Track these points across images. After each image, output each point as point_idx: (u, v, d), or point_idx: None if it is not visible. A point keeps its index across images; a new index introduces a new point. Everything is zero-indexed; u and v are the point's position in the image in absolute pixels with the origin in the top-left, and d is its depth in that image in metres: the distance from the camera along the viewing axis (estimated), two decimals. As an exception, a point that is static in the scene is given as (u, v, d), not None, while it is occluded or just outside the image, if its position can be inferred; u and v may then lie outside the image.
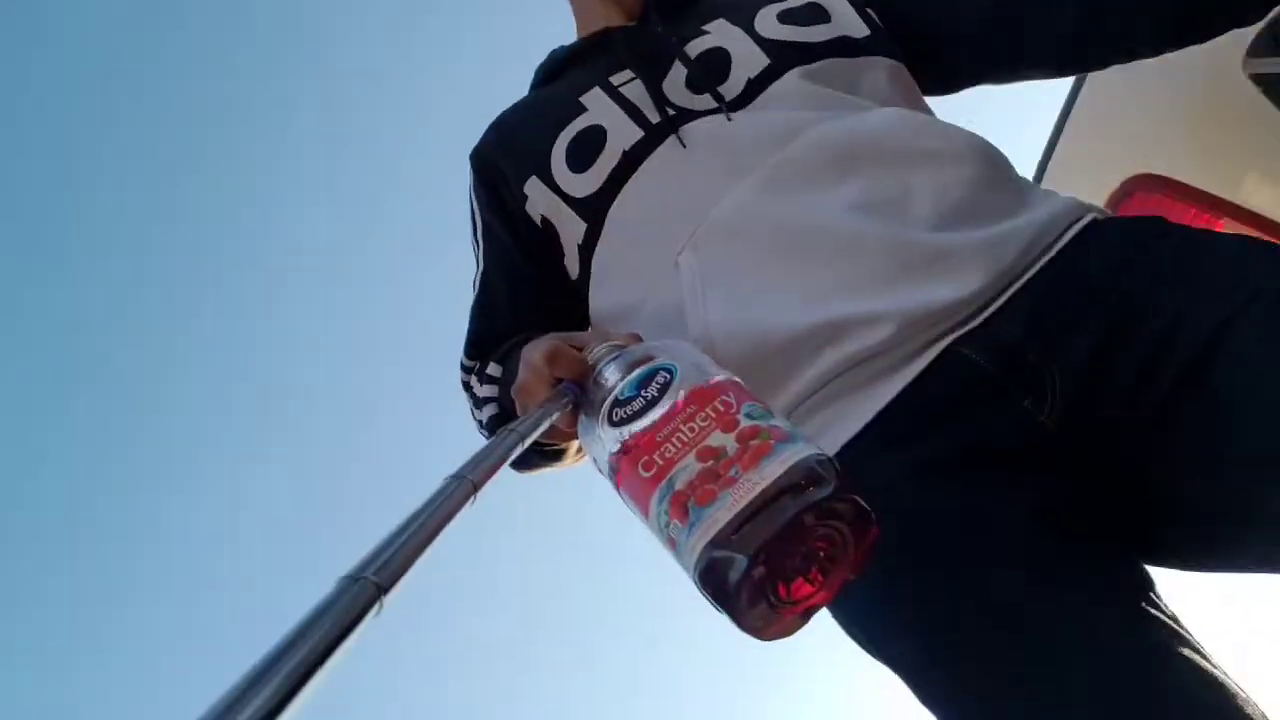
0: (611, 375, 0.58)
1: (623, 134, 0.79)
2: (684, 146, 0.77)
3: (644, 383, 0.55)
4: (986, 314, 0.65)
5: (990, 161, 0.74)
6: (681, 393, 0.53)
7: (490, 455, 0.50)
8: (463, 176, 0.92)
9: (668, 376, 0.55)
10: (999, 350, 0.64)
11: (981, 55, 0.85)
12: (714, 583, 0.47)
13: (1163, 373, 0.59)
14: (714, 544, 0.46)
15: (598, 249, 0.80)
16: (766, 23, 0.82)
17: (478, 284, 0.90)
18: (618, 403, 0.55)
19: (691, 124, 0.78)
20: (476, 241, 0.90)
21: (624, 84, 0.82)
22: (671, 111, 0.79)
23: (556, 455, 0.83)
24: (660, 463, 0.50)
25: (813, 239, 0.68)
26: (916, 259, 0.66)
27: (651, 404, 0.54)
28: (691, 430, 0.51)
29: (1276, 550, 0.59)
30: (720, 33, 0.82)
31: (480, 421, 0.86)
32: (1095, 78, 1.29)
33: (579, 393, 0.61)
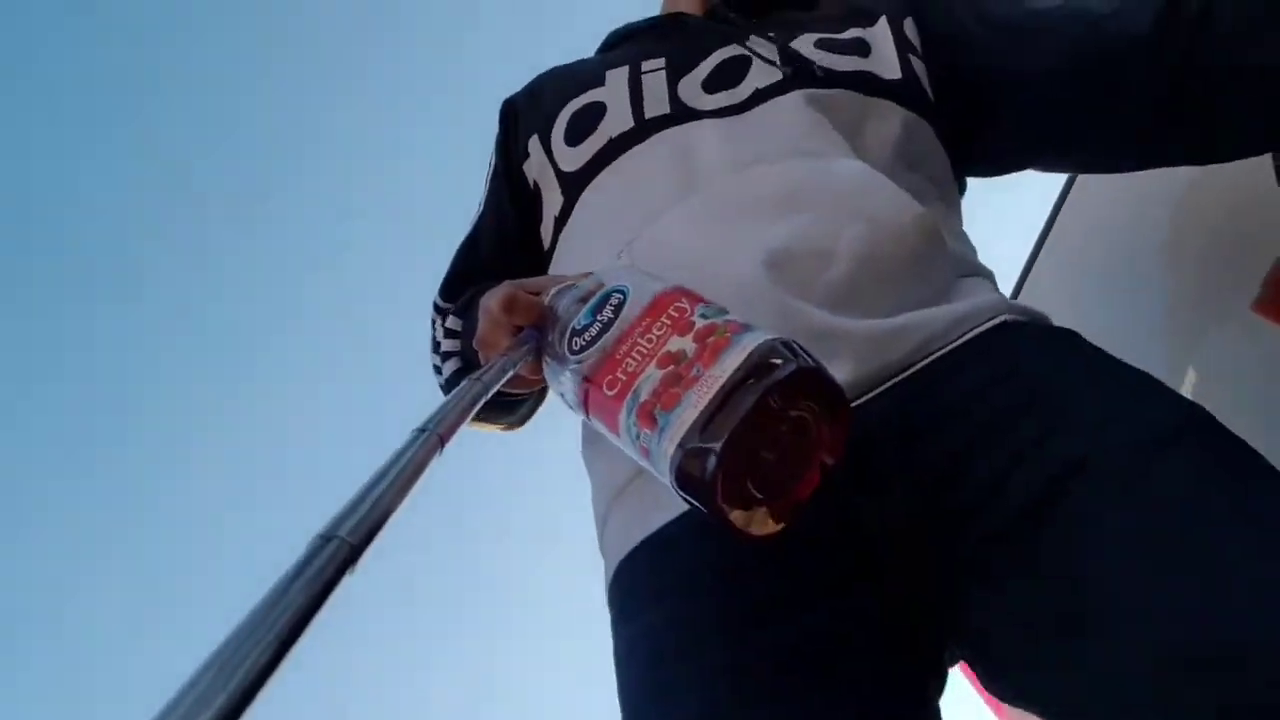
0: (567, 308, 0.58)
1: (617, 119, 0.79)
2: (657, 145, 0.76)
3: (599, 308, 0.55)
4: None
5: (933, 240, 0.68)
6: (636, 308, 0.53)
7: (455, 406, 0.50)
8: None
9: (620, 298, 0.55)
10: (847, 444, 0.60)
11: (1041, 118, 0.79)
12: (691, 482, 0.47)
13: (1011, 495, 0.55)
14: (683, 444, 0.46)
15: (566, 227, 0.81)
16: (803, 44, 0.80)
17: (472, 223, 0.90)
18: (575, 332, 0.55)
19: (682, 126, 0.77)
20: (486, 183, 0.90)
21: (649, 71, 0.81)
22: (670, 110, 0.78)
23: (511, 408, 0.83)
24: (624, 378, 0.50)
25: (717, 283, 0.62)
26: (800, 334, 0.58)
27: (608, 326, 0.54)
28: (649, 341, 0.51)
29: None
30: (758, 42, 0.81)
31: (438, 368, 0.86)
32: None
33: (541, 337, 0.61)
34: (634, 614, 0.65)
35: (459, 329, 0.82)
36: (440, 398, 0.82)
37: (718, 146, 0.74)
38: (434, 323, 0.88)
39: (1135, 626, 0.49)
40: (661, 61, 0.82)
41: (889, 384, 0.62)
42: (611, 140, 0.78)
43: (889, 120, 0.77)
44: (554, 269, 0.83)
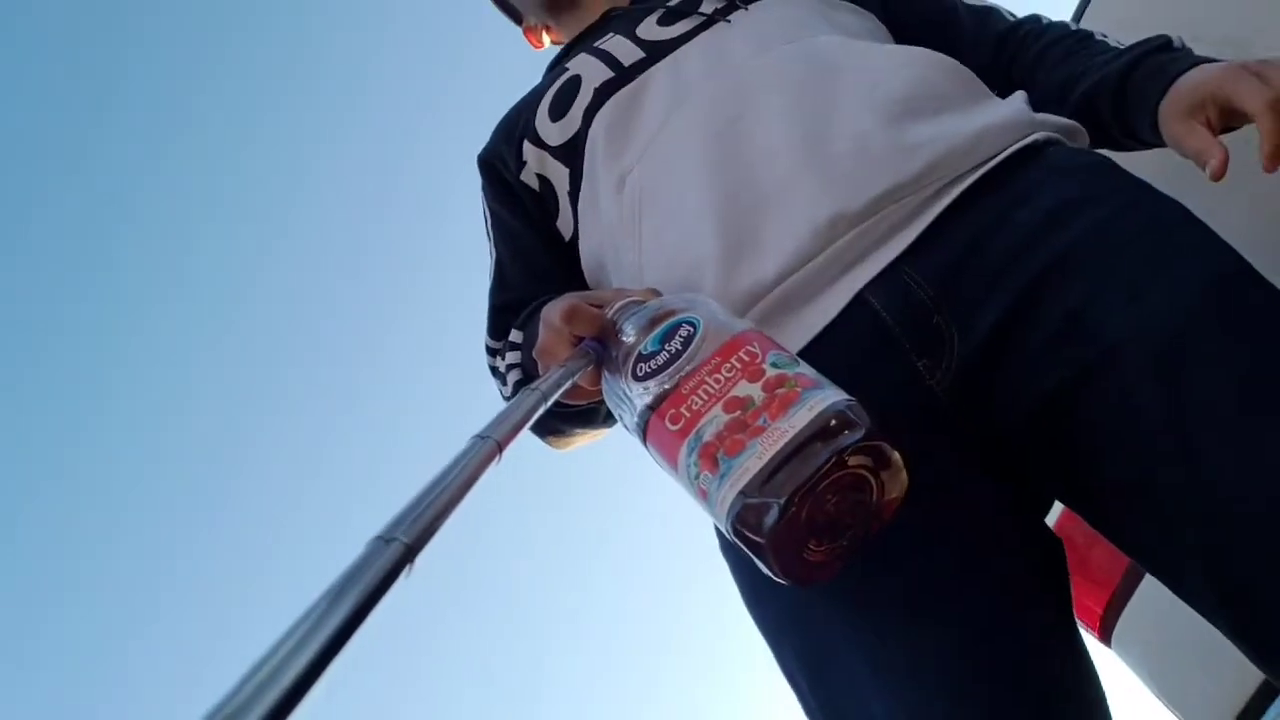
0: (633, 330, 0.58)
1: (596, 77, 0.81)
2: (643, 82, 0.79)
3: (667, 336, 0.55)
4: (901, 247, 0.64)
5: (936, 69, 0.72)
6: (706, 345, 0.53)
7: (513, 414, 0.50)
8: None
9: (691, 329, 0.55)
10: (907, 309, 0.63)
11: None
12: (747, 531, 0.47)
13: (1050, 374, 0.58)
14: (745, 493, 0.46)
15: (580, 196, 0.82)
16: None
17: (491, 270, 0.91)
18: (641, 357, 0.55)
19: (660, 61, 0.79)
20: (488, 236, 0.92)
21: (606, 41, 0.84)
22: (645, 53, 0.80)
23: (586, 417, 0.83)
24: (688, 415, 0.50)
25: (734, 153, 0.68)
26: (828, 164, 0.66)
27: (675, 357, 0.53)
28: (717, 382, 0.51)
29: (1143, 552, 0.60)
30: None
31: (505, 398, 0.86)
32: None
33: (601, 350, 0.61)
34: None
35: (519, 341, 0.82)
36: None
37: (699, 60, 0.77)
38: (493, 366, 0.88)
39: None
40: (613, 34, 0.85)
41: (936, 210, 0.64)
42: (596, 90, 0.80)
43: (856, 16, 0.83)
44: (582, 243, 0.83)
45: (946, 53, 0.77)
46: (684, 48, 0.79)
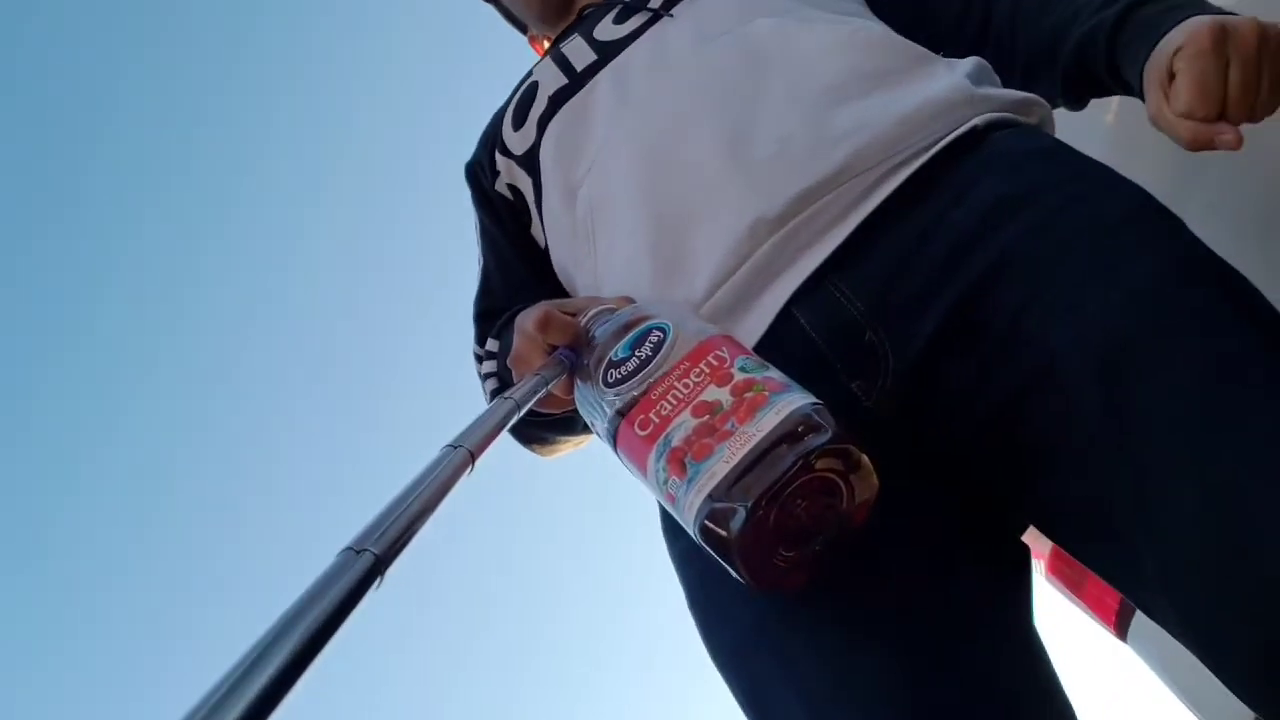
0: (604, 337, 0.58)
1: (551, 83, 0.81)
2: (592, 87, 0.78)
3: (637, 343, 0.55)
4: (825, 253, 0.61)
5: (875, 44, 0.69)
6: (675, 350, 0.54)
7: (486, 423, 0.50)
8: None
9: (660, 335, 0.55)
10: (836, 326, 0.60)
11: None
12: (714, 535, 0.47)
13: (991, 389, 0.57)
14: (712, 496, 0.47)
15: (543, 203, 0.81)
16: None
17: (479, 277, 0.92)
18: (611, 364, 0.55)
19: (611, 62, 0.78)
20: (477, 241, 0.92)
21: (567, 43, 0.84)
22: (596, 55, 0.80)
23: (566, 425, 0.83)
24: (656, 421, 0.51)
25: (665, 167, 0.67)
26: (752, 169, 0.63)
27: (645, 363, 0.54)
28: (686, 387, 0.51)
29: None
30: None
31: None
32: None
33: (574, 358, 0.61)
34: (675, 534, 0.67)
35: (495, 350, 0.82)
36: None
37: (641, 61, 0.76)
38: (480, 374, 0.88)
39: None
40: (575, 35, 0.84)
41: (868, 208, 0.61)
42: (550, 98, 0.80)
43: None
44: (553, 251, 0.82)
45: (917, 8, 0.75)
46: (629, 49, 0.78)
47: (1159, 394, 0.50)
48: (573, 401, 0.64)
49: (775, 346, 0.61)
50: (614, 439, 0.54)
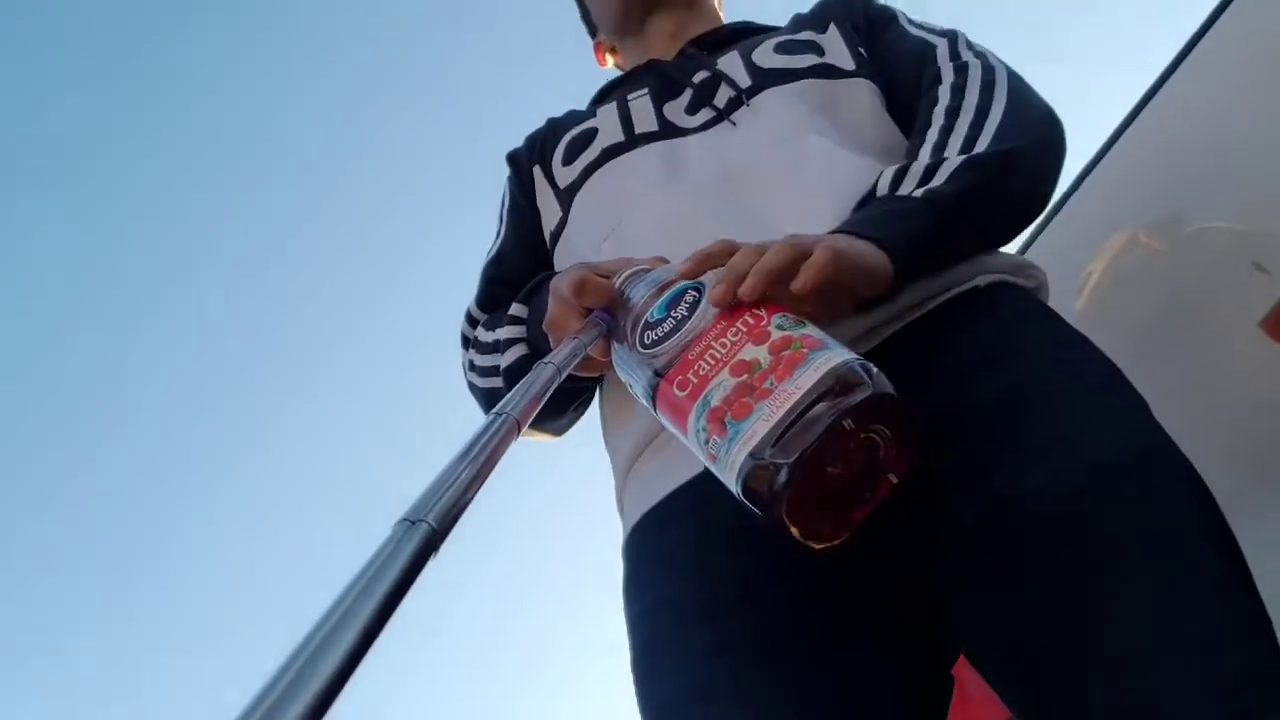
0: (640, 298, 0.58)
1: (609, 135, 0.86)
2: (646, 152, 0.82)
3: (673, 303, 0.55)
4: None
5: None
6: (711, 309, 0.53)
7: (529, 389, 0.49)
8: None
9: (696, 295, 0.55)
10: None
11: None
12: (757, 493, 0.47)
13: (943, 532, 0.58)
14: (754, 455, 0.46)
15: (561, 238, 0.86)
16: (763, 53, 0.88)
17: (494, 245, 0.95)
18: (648, 325, 0.55)
19: (669, 141, 0.83)
20: (501, 219, 0.96)
21: (635, 99, 0.89)
22: (658, 127, 0.85)
23: (557, 411, 0.84)
24: (695, 381, 0.50)
25: (689, 241, 0.66)
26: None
27: (681, 323, 0.53)
28: (724, 346, 0.51)
29: None
30: (726, 63, 0.89)
31: (482, 368, 0.86)
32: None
33: (610, 321, 0.61)
34: (632, 597, 0.69)
35: (523, 315, 0.82)
36: (475, 409, 0.87)
37: (702, 150, 0.81)
38: (466, 338, 0.89)
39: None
40: (645, 92, 0.90)
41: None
42: (604, 150, 0.85)
43: (859, 94, 0.83)
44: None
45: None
46: (689, 138, 0.83)
47: (1101, 581, 0.52)
48: (607, 365, 0.64)
49: None
50: (654, 400, 0.54)
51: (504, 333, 0.83)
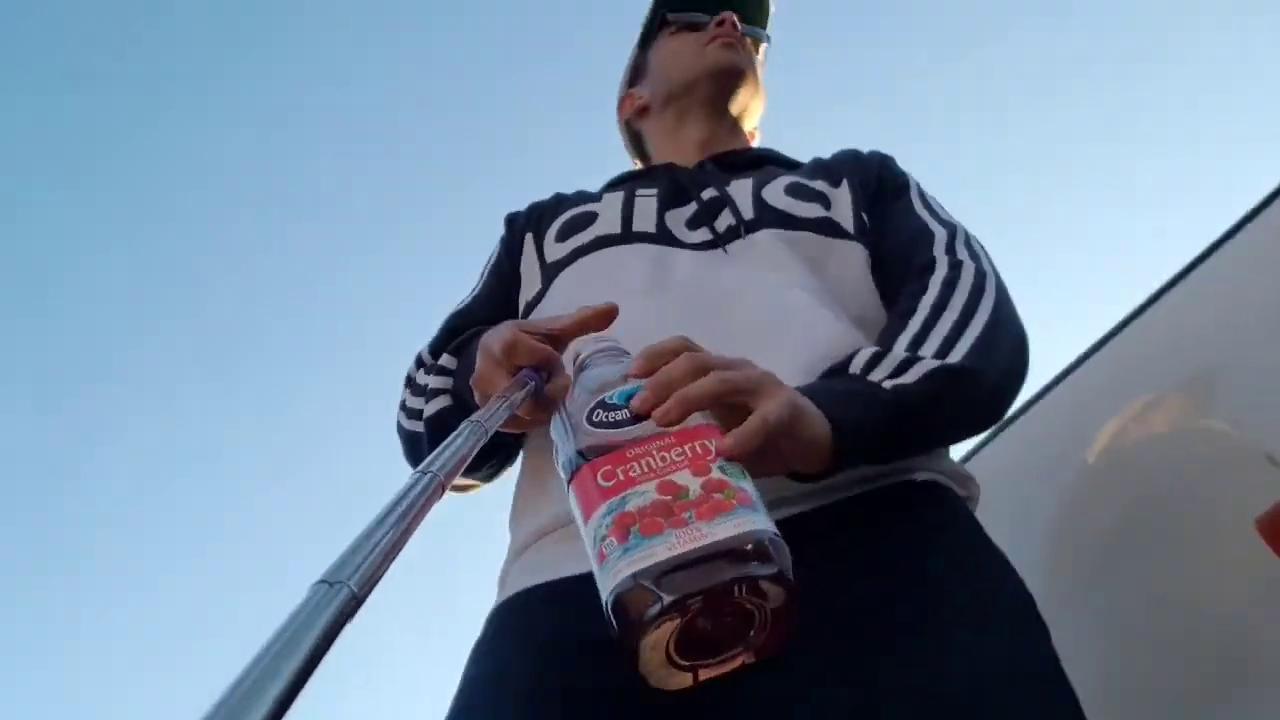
0: (605, 376, 0.57)
1: (607, 224, 0.88)
2: (638, 249, 0.84)
3: (635, 396, 0.54)
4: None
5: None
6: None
7: (454, 449, 0.49)
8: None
9: None
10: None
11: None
12: (626, 612, 0.46)
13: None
14: (640, 575, 0.46)
15: (535, 309, 0.87)
16: (774, 191, 0.90)
17: (464, 302, 0.95)
18: (604, 405, 0.54)
19: (662, 247, 0.85)
20: (481, 275, 0.97)
21: (642, 196, 0.91)
22: (655, 230, 0.86)
23: (480, 464, 0.84)
24: (621, 478, 0.50)
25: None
26: None
27: (635, 420, 0.53)
28: (662, 460, 0.50)
29: None
30: (736, 189, 0.91)
31: (409, 409, 0.85)
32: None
33: (540, 380, 0.62)
34: (476, 659, 0.70)
35: (452, 368, 0.82)
36: (399, 454, 0.86)
37: (691, 267, 0.82)
38: (410, 379, 0.88)
39: None
40: (654, 192, 0.91)
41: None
42: (598, 238, 0.87)
43: (851, 255, 0.85)
44: None
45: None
46: (683, 252, 0.84)
47: None
48: (529, 424, 0.64)
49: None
50: (571, 475, 0.53)
51: (433, 381, 0.83)
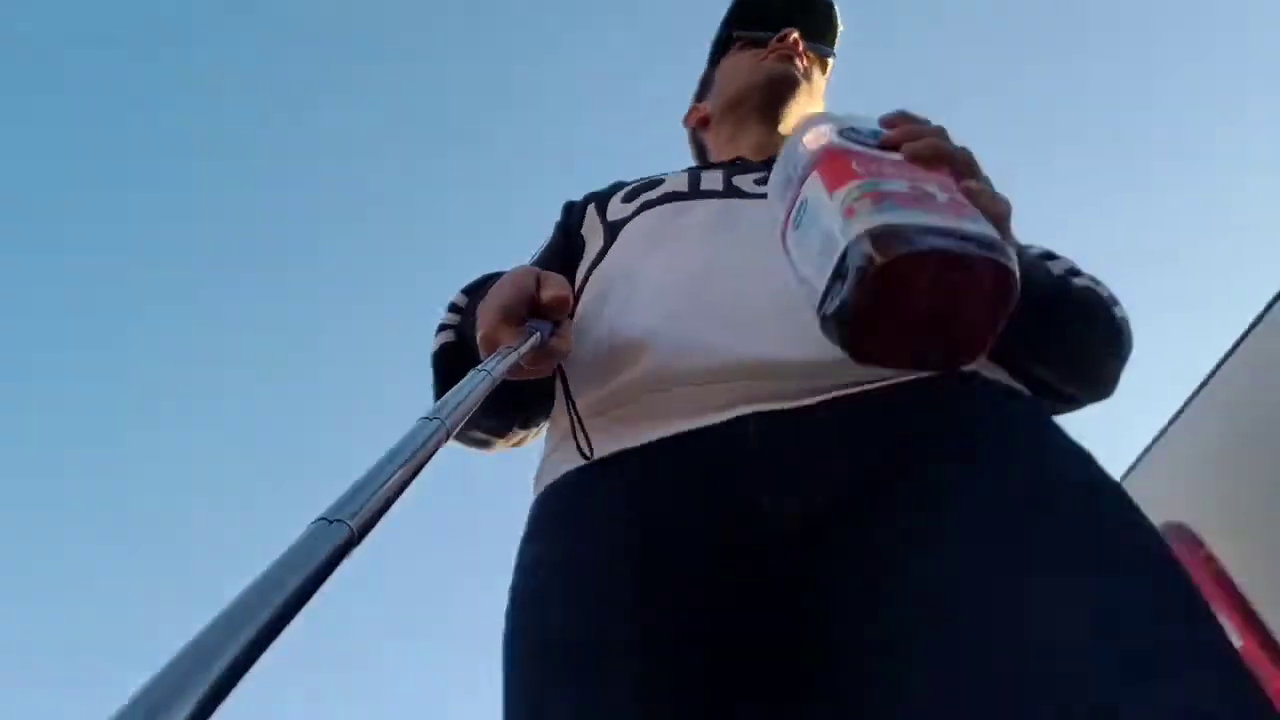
0: (853, 118, 0.61)
1: (674, 186, 0.90)
2: (706, 202, 0.85)
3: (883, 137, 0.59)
4: (796, 404, 0.63)
5: None
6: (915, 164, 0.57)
7: (462, 396, 0.49)
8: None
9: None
10: (783, 449, 0.61)
11: None
12: (864, 256, 0.48)
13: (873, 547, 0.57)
14: (896, 225, 0.49)
15: (599, 266, 0.85)
16: None
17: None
18: (854, 130, 0.58)
19: (731, 200, 0.85)
20: (538, 251, 0.97)
21: (708, 171, 0.93)
22: (723, 188, 0.87)
23: (502, 416, 0.84)
24: (873, 170, 0.53)
25: (726, 274, 0.73)
26: (798, 321, 0.61)
27: (885, 148, 0.57)
28: (913, 173, 0.54)
29: None
30: None
31: (439, 325, 0.86)
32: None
33: (548, 331, 0.63)
34: (540, 536, 0.68)
35: (463, 305, 0.83)
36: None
37: (759, 211, 0.77)
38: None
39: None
40: (719, 172, 0.92)
41: (830, 395, 0.63)
42: (666, 194, 0.88)
43: None
44: (581, 304, 0.82)
45: None
46: (750, 201, 0.84)
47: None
48: (537, 372, 0.66)
49: (713, 436, 0.63)
50: (818, 160, 0.55)
51: (445, 318, 0.84)
